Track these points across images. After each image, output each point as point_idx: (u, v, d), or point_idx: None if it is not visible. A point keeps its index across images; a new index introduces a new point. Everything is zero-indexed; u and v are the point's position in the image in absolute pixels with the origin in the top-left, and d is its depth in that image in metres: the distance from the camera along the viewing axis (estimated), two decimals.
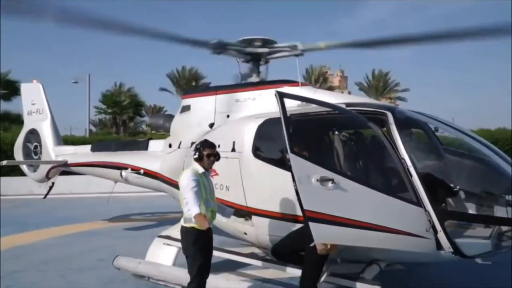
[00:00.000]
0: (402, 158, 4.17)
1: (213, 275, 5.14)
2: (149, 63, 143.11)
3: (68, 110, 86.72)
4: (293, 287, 5.38)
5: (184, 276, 4.79)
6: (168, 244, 6.18)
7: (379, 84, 45.52)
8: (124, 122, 39.45)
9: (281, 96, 4.10)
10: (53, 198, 12.07)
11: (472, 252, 4.14)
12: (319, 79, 45.33)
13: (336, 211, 3.79)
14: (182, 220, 4.44)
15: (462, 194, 4.69)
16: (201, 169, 4.42)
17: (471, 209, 4.66)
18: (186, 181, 4.30)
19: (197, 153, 4.45)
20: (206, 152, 4.43)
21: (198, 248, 4.35)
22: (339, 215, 3.78)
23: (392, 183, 4.50)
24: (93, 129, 45.07)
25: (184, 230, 4.41)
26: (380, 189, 3.99)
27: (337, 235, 3.86)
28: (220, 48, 6.02)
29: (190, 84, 39.79)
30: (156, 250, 6.26)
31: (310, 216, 3.75)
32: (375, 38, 5.50)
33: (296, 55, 6.16)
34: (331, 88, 49.48)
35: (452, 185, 4.55)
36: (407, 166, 4.13)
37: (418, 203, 4.01)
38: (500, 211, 4.38)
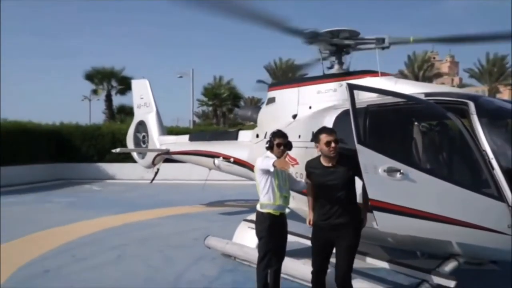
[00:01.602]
0: (483, 150, 3.97)
1: (292, 259, 5.39)
2: (246, 56, 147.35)
3: (175, 102, 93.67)
4: (372, 277, 5.41)
5: None
6: (252, 228, 6.56)
7: (493, 70, 41.02)
8: (224, 114, 41.27)
9: (351, 88, 4.18)
10: (159, 183, 13.45)
11: None
12: (423, 66, 42.24)
13: (403, 201, 3.78)
14: (258, 205, 4.73)
15: None
16: (273, 157, 4.57)
17: None
18: (259, 165, 4.56)
19: (268, 143, 4.71)
20: (276, 142, 4.61)
21: (271, 233, 4.55)
22: (406, 206, 3.77)
23: (468, 175, 4.28)
24: (197, 120, 48.06)
25: (259, 215, 4.66)
26: (453, 181, 3.85)
27: (403, 225, 3.85)
28: (313, 37, 6.12)
29: (286, 76, 40.03)
30: (241, 233, 6.73)
31: (375, 205, 3.80)
32: (465, 34, 5.28)
33: (383, 48, 6.07)
34: (438, 75, 45.98)
35: None
36: (488, 158, 3.92)
37: (500, 197, 3.78)
38: None
